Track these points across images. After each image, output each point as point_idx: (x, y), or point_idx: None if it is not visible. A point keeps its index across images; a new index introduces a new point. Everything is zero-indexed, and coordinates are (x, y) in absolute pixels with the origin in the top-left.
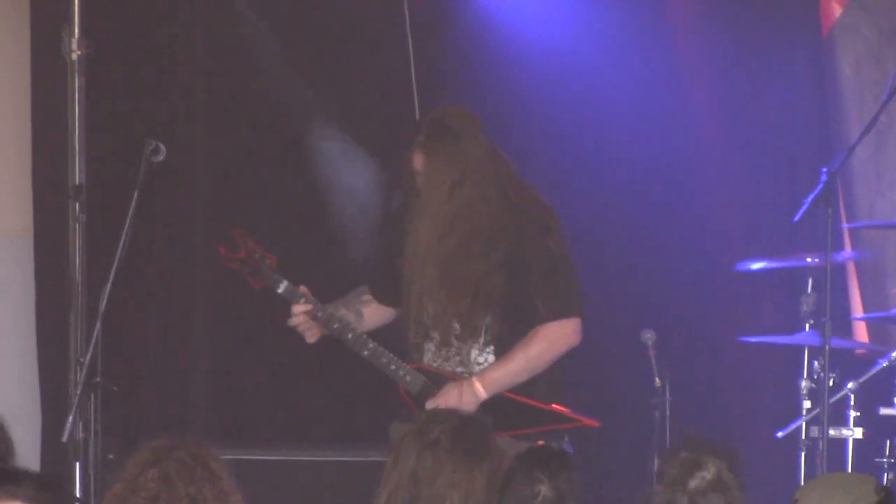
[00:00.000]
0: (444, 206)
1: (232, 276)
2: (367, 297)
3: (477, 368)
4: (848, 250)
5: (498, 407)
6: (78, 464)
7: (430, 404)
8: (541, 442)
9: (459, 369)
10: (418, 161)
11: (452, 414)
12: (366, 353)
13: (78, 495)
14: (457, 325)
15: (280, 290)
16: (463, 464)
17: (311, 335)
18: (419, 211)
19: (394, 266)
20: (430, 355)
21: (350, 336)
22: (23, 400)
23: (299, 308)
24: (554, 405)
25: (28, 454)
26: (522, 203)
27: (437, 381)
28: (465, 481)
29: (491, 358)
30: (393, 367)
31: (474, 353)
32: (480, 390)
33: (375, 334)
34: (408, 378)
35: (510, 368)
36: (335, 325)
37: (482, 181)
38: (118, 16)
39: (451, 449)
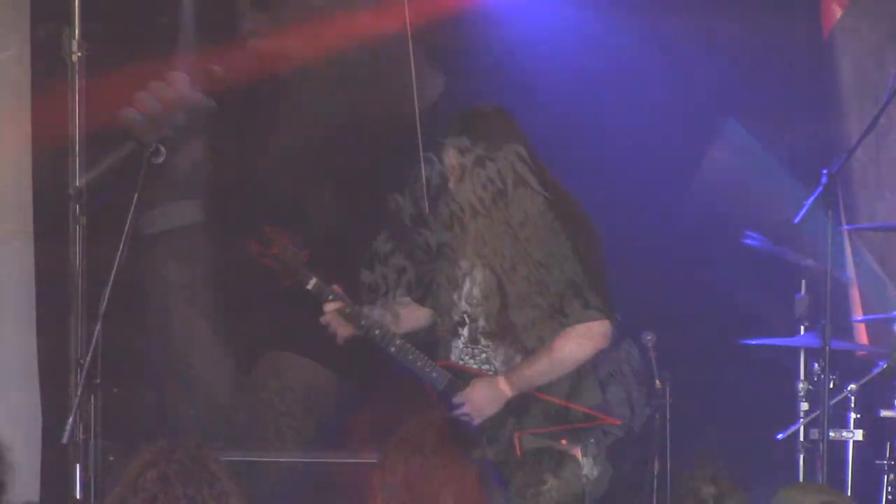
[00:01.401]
0: (493, 210)
1: (232, 276)
2: (406, 299)
3: (503, 367)
4: (848, 272)
5: (523, 404)
6: (78, 465)
7: (457, 399)
8: (564, 441)
9: (485, 367)
10: (453, 158)
11: (430, 418)
12: (392, 349)
13: (78, 497)
14: (486, 324)
15: (309, 287)
16: (451, 461)
17: (342, 334)
18: (466, 212)
19: (429, 265)
20: (457, 352)
21: (377, 332)
22: (23, 401)
23: (330, 306)
24: (576, 404)
25: (29, 456)
26: (556, 202)
27: (464, 378)
28: (456, 478)
29: (518, 357)
30: (419, 363)
31: (501, 351)
32: (507, 388)
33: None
34: (434, 375)
35: (537, 368)
36: (363, 322)
37: (524, 183)
38: (118, 16)
39: (438, 449)
